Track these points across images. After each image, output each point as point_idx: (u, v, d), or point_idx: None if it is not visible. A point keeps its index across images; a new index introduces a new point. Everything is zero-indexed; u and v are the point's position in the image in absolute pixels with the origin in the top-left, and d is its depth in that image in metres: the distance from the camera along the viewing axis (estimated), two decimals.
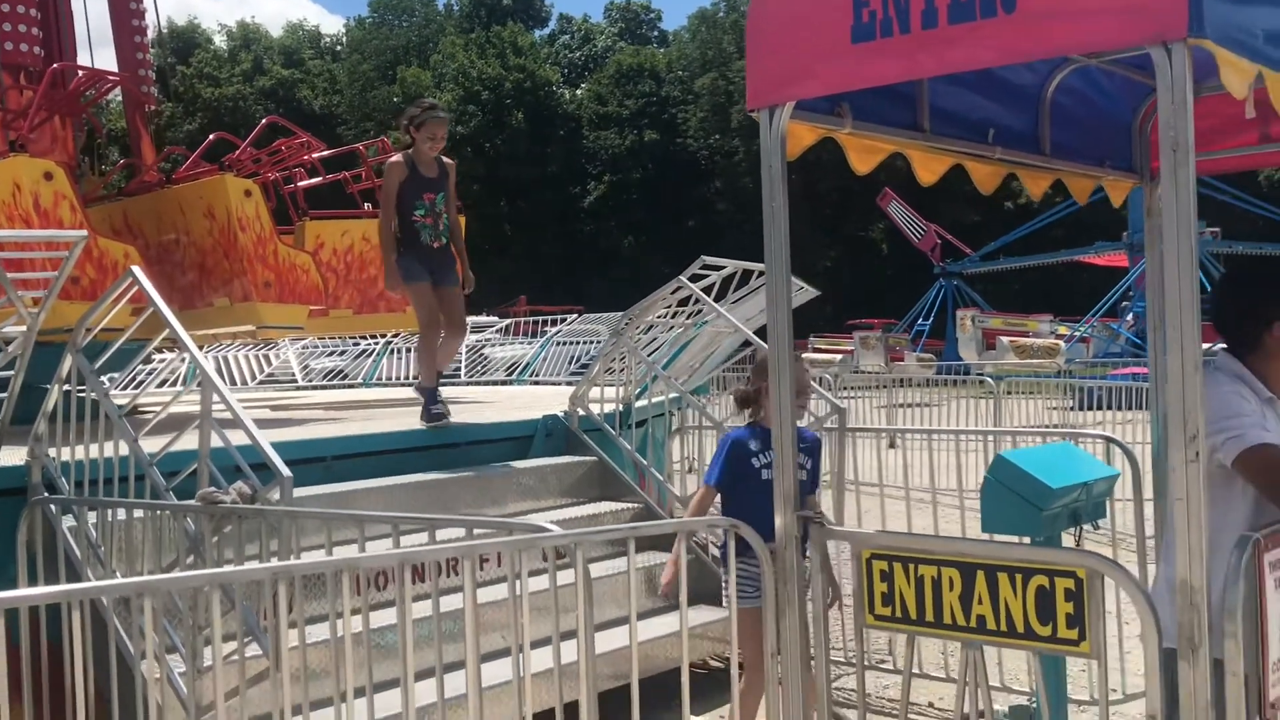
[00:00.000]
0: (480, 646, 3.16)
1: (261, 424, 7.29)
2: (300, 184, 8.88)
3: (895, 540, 3.05)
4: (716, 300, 6.98)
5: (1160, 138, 2.49)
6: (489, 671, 3.37)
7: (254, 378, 14.47)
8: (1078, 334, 26.48)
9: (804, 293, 8.80)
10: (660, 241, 50.40)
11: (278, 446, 4.16)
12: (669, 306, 6.89)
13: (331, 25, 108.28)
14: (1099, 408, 13.77)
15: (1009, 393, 18.77)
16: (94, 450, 4.62)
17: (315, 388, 14.31)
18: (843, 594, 4.96)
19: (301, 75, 58.32)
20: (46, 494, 4.72)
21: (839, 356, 26.26)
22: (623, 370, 7.06)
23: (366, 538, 3.64)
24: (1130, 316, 30.10)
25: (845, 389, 17.79)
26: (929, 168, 3.90)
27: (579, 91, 58.56)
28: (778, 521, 3.12)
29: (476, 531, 3.35)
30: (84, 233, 4.61)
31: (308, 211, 9.08)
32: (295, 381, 14.46)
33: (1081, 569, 2.68)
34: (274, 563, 3.54)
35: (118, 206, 8.25)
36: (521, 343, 17.51)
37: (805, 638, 3.19)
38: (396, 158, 6.69)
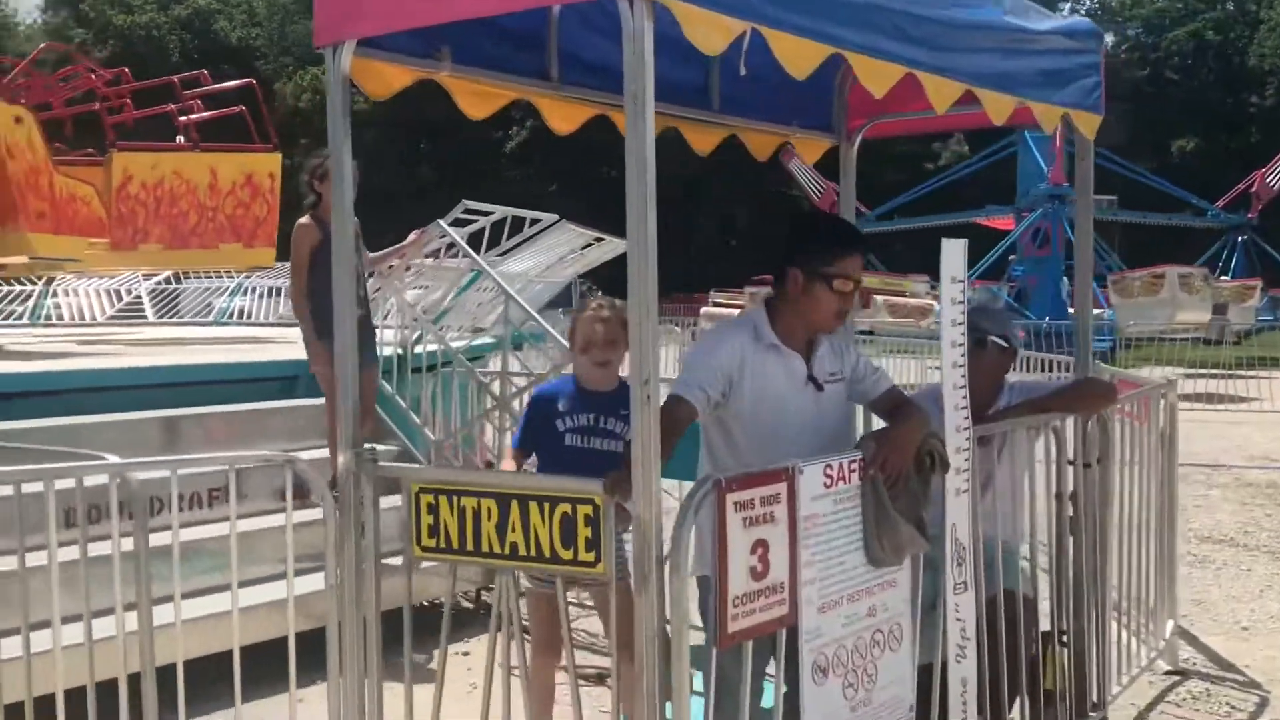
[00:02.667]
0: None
1: (55, 356, 7.21)
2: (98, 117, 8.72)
3: (441, 474, 3.16)
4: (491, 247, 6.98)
5: (625, 90, 2.54)
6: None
7: (104, 313, 14.28)
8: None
9: (611, 245, 8.86)
10: (584, 188, 50.17)
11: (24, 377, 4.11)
12: (435, 252, 6.88)
13: None
14: None
15: (889, 351, 19.09)
16: None
17: (164, 324, 14.12)
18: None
19: (219, 6, 56.78)
20: None
21: (736, 313, 26.48)
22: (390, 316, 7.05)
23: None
24: (1009, 278, 30.74)
25: None
26: (563, 116, 3.95)
27: None
28: (340, 459, 3.18)
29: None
30: None
31: (114, 142, 8.93)
32: (146, 318, 14.28)
33: (599, 496, 2.79)
34: None
35: None
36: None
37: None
38: (304, 220, 5.70)
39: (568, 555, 2.86)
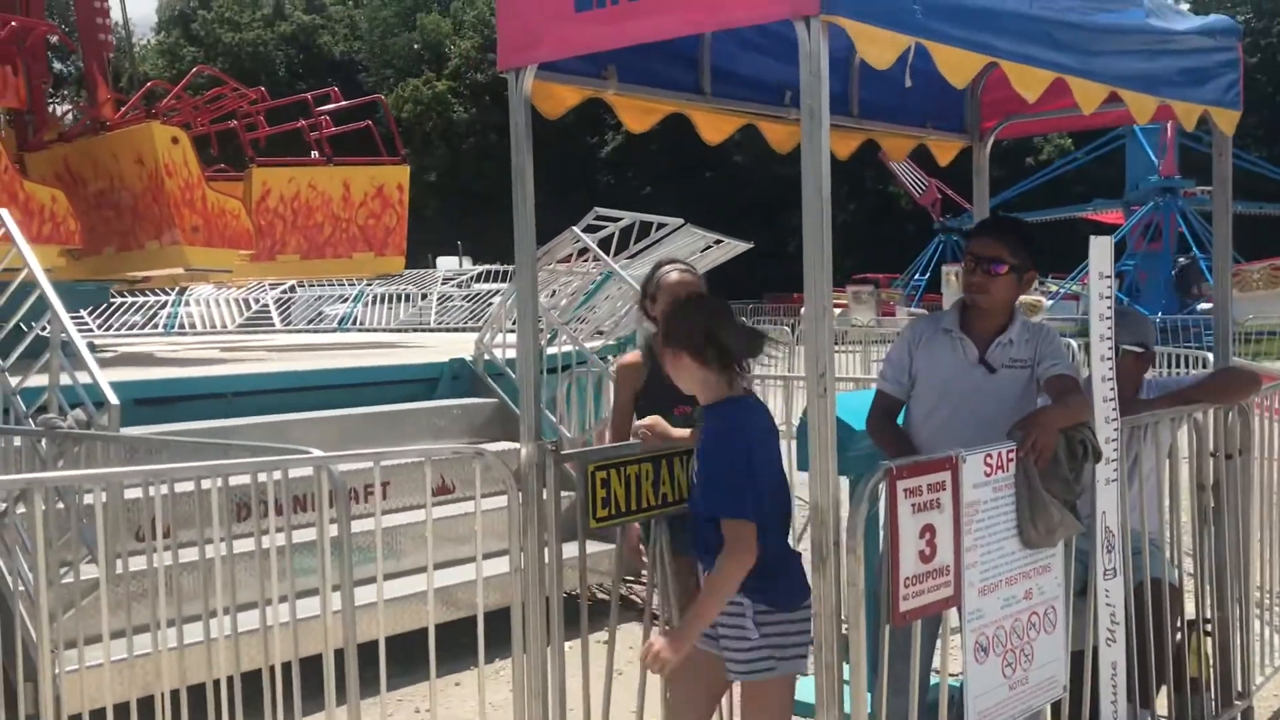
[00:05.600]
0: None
1: (199, 363, 7.66)
2: (253, 135, 9.19)
3: (608, 452, 3.47)
4: (620, 250, 7.23)
5: (801, 105, 2.74)
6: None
7: (233, 321, 14.93)
8: (1063, 290, 26.52)
9: (729, 247, 9.05)
10: (678, 193, 50.43)
11: (178, 383, 4.51)
12: (568, 257, 7.15)
13: None
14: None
15: None
16: None
17: (292, 331, 14.72)
18: None
19: (323, 21, 58.38)
20: None
21: (838, 311, 26.47)
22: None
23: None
24: (1118, 273, 29.98)
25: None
26: (714, 127, 4.15)
27: None
28: (523, 450, 3.43)
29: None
30: None
31: (253, 158, 9.39)
32: (274, 325, 14.89)
33: None
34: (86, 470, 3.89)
35: (59, 152, 8.60)
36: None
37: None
38: (631, 358, 4.42)
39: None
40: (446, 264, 25.87)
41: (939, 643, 3.15)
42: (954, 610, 3.07)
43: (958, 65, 3.01)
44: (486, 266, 18.39)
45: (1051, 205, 31.47)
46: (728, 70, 4.05)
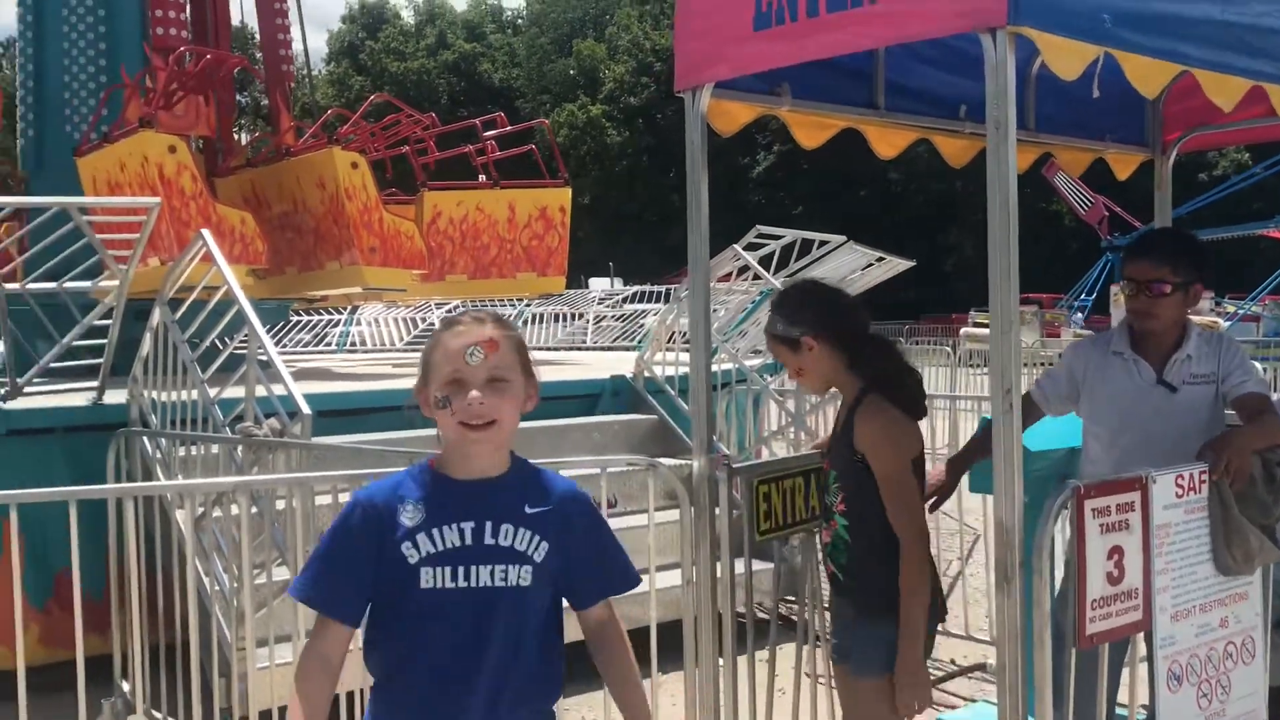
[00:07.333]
0: None
1: (371, 378, 7.96)
2: (421, 159, 9.55)
3: (770, 466, 3.54)
4: (780, 268, 7.23)
5: (987, 118, 2.71)
6: None
7: (401, 339, 15.48)
8: (1241, 311, 25.18)
9: (891, 265, 8.94)
10: (831, 211, 50.02)
11: (359, 395, 4.72)
12: (728, 274, 7.18)
13: None
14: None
15: None
16: (174, 391, 5.30)
17: None
18: None
19: (483, 49, 60.11)
20: (140, 428, 5.46)
21: None
22: (684, 337, 7.40)
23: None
24: None
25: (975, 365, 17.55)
26: (888, 141, 4.13)
27: None
28: (695, 464, 3.47)
29: None
30: (157, 200, 5.29)
31: (424, 182, 9.73)
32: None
33: None
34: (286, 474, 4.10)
35: (247, 177, 9.08)
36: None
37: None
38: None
39: None
40: (598, 284, 26.27)
41: (1125, 670, 3.05)
42: (1140, 637, 2.97)
43: (1148, 75, 2.93)
44: (638, 287, 18.64)
45: (1227, 222, 30.01)
46: (901, 84, 4.03)
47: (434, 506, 2.19)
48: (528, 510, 2.22)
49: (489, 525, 2.18)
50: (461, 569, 2.16)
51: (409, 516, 2.17)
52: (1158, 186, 4.98)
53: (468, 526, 2.17)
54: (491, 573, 2.17)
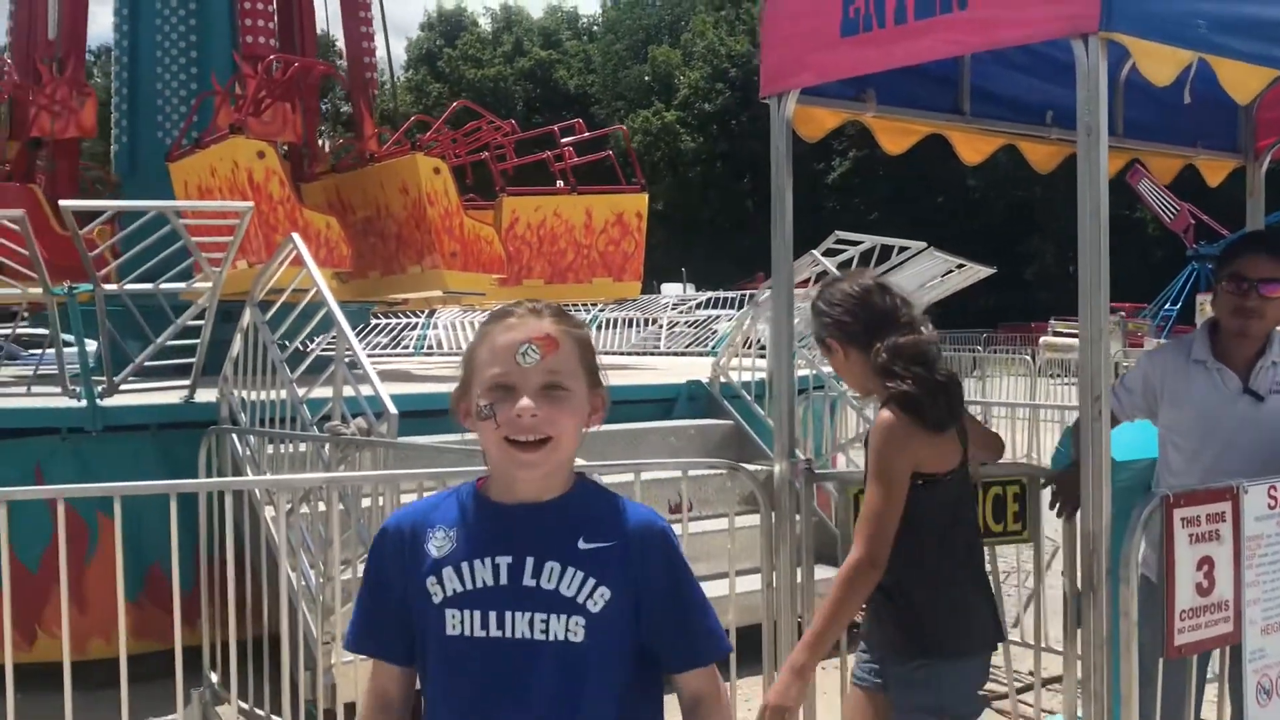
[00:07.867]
0: None
1: (451, 380, 8.11)
2: (500, 165, 9.69)
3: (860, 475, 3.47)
4: None
5: (1078, 123, 2.70)
6: None
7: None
8: None
9: (972, 271, 8.86)
10: (907, 217, 49.52)
11: (441, 397, 4.78)
12: (805, 280, 7.16)
13: (589, 5, 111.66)
14: None
15: None
16: (263, 390, 5.45)
17: None
18: None
19: (559, 56, 60.54)
20: (230, 425, 5.62)
21: (1077, 342, 25.22)
22: (761, 342, 7.41)
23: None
24: None
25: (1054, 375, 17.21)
26: (973, 148, 4.12)
27: None
28: (776, 469, 3.49)
29: None
30: (250, 204, 5.44)
31: (503, 188, 9.86)
32: None
33: (1024, 477, 3.38)
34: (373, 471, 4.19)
35: (332, 182, 9.28)
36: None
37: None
38: (890, 415, 3.20)
39: (998, 529, 3.39)
40: (670, 290, 26.33)
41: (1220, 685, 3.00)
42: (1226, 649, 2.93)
43: (1243, 80, 2.90)
44: (710, 293, 18.65)
45: None
46: (987, 90, 4.00)
47: (468, 535, 1.80)
48: (582, 545, 1.77)
49: (530, 562, 1.76)
50: (493, 615, 1.75)
51: (437, 546, 1.80)
52: (1250, 193, 4.89)
53: (504, 562, 1.76)
54: (530, 622, 1.75)
